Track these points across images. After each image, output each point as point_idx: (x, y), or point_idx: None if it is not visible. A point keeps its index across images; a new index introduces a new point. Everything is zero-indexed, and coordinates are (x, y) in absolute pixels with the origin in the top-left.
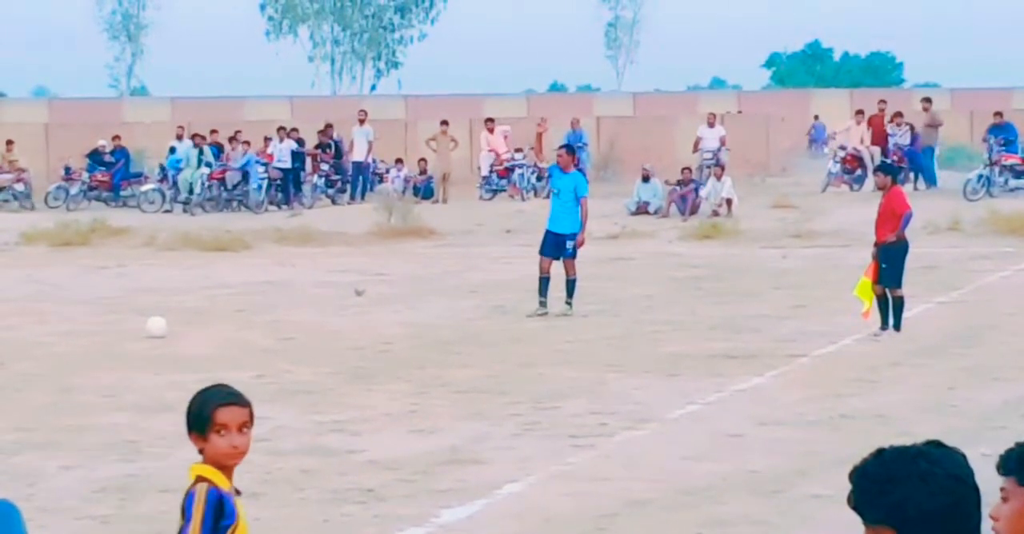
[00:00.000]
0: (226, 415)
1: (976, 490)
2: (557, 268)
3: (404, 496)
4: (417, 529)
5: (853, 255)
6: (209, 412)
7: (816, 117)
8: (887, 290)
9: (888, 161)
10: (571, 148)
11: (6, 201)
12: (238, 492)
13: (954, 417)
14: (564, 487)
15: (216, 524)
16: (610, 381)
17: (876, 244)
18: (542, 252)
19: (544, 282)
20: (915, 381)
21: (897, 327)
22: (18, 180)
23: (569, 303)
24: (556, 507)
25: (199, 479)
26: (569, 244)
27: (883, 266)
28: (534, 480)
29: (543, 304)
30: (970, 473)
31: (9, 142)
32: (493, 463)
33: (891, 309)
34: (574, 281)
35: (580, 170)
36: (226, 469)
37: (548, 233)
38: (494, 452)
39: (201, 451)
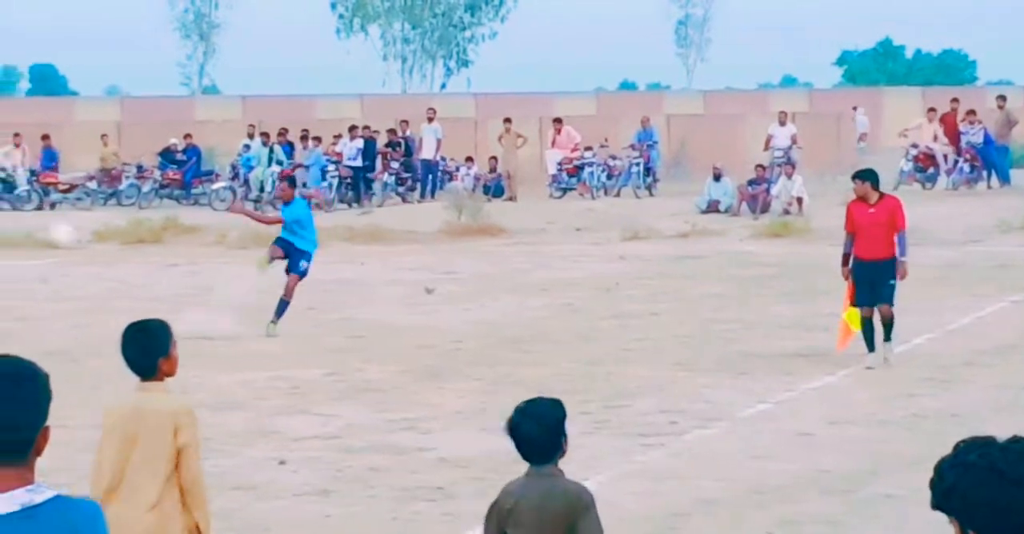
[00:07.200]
0: None
1: None
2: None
3: (474, 494)
4: None
5: (923, 253)
6: None
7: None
8: (879, 308)
9: (872, 167)
10: (292, 180)
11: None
12: None
13: None
14: (634, 486)
15: None
16: (680, 380)
17: (859, 261)
18: None
19: None
20: (988, 381)
21: (888, 338)
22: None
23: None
24: (627, 505)
25: None
26: (303, 264)
27: (891, 283)
28: (604, 478)
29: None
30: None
31: (104, 135)
32: (563, 462)
33: (883, 326)
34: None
35: (300, 203)
36: None
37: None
38: None
39: None
